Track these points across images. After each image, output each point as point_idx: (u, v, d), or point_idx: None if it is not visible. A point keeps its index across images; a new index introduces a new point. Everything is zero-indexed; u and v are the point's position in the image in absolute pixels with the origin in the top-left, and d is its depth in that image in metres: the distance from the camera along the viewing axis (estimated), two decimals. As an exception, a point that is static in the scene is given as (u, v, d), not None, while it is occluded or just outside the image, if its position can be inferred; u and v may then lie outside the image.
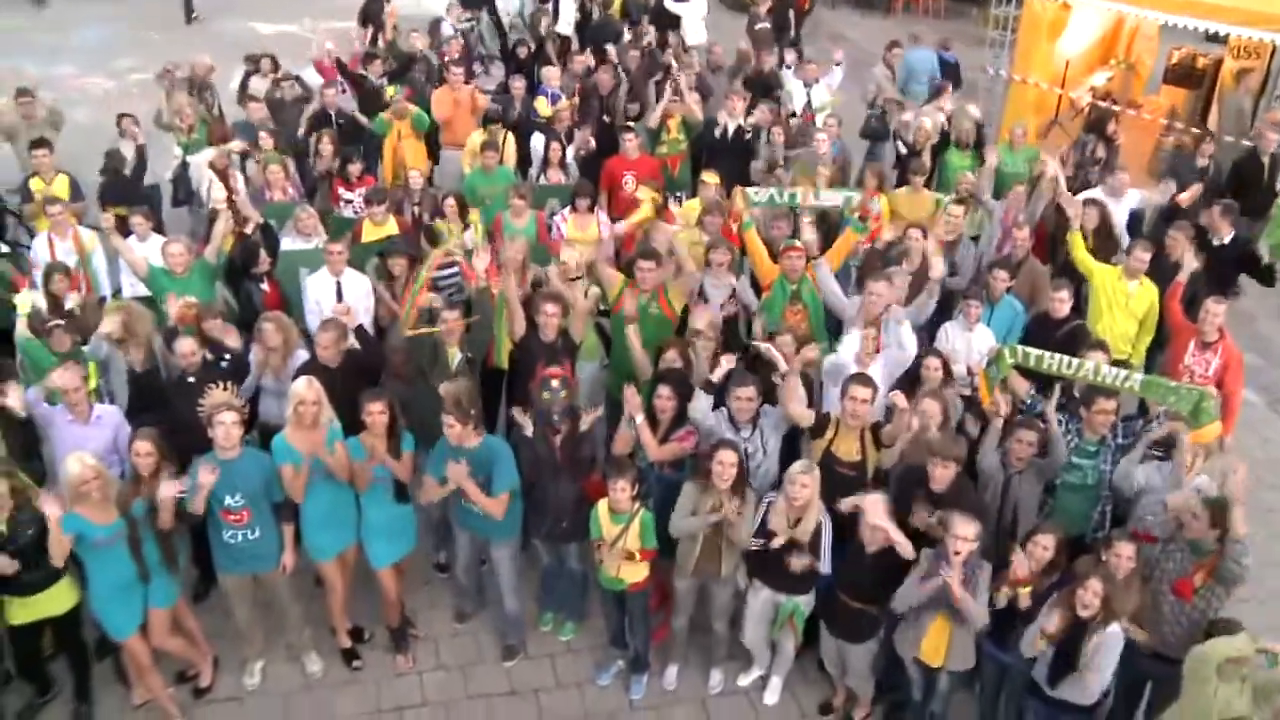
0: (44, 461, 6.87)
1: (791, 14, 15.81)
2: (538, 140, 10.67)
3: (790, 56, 13.01)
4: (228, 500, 6.18)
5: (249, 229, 8.57)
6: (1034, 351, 6.68)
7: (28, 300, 7.29)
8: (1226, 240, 8.99)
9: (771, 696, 6.92)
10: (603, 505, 6.26)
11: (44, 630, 6.38)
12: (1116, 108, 13.89)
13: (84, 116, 15.17)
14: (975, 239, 9.32)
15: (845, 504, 6.14)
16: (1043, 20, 13.58)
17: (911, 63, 13.31)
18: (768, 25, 14.69)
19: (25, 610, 6.14)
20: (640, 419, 6.56)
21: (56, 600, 6.19)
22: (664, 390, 6.68)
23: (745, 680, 7.04)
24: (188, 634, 6.71)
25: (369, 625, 7.25)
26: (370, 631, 7.25)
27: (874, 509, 5.91)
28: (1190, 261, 7.96)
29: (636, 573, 6.39)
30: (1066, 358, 6.61)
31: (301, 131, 10.94)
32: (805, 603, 6.38)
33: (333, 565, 6.68)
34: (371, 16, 14.52)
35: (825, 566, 6.12)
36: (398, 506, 6.64)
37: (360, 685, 6.99)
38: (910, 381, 7.11)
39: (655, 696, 6.96)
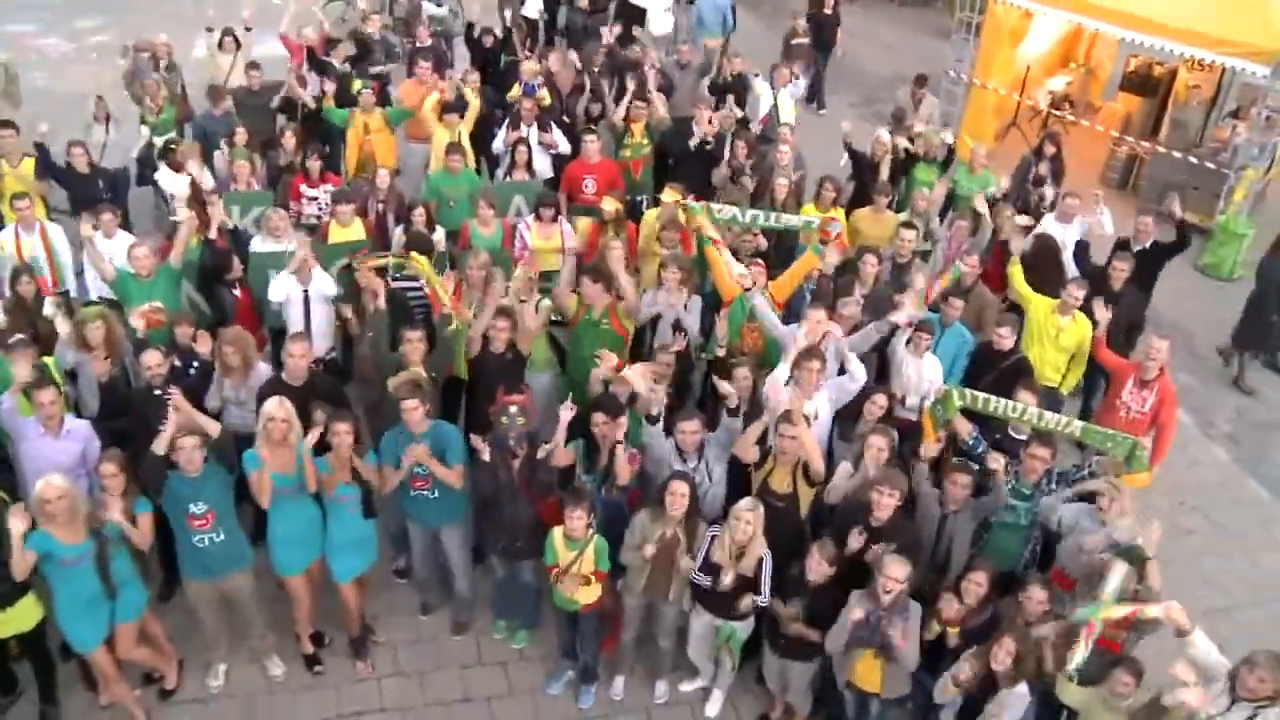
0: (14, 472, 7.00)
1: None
2: (498, 142, 10.76)
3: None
4: (192, 508, 6.36)
5: (212, 233, 8.62)
6: (980, 395, 6.97)
7: None
8: (1148, 245, 9.38)
9: (713, 709, 7.23)
10: (558, 532, 6.50)
11: (8, 640, 6.56)
12: (1071, 117, 14.26)
13: (42, 81, 15.08)
14: (926, 254, 9.56)
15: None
16: (1004, 26, 13.81)
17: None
18: (806, 42, 14.59)
19: (-5, 627, 6.30)
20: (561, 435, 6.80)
21: (22, 616, 6.35)
22: (599, 417, 6.90)
23: (688, 687, 7.34)
24: (154, 642, 6.89)
25: (330, 630, 7.46)
26: (330, 636, 7.47)
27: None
28: (1103, 314, 8.22)
29: (590, 594, 6.66)
30: (1011, 402, 6.92)
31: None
32: (742, 629, 6.67)
33: (299, 580, 6.90)
34: None
35: (764, 599, 6.38)
36: (363, 523, 6.85)
37: (321, 689, 7.23)
38: (852, 412, 7.41)
39: (603, 706, 7.26)
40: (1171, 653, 5.72)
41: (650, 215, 9.54)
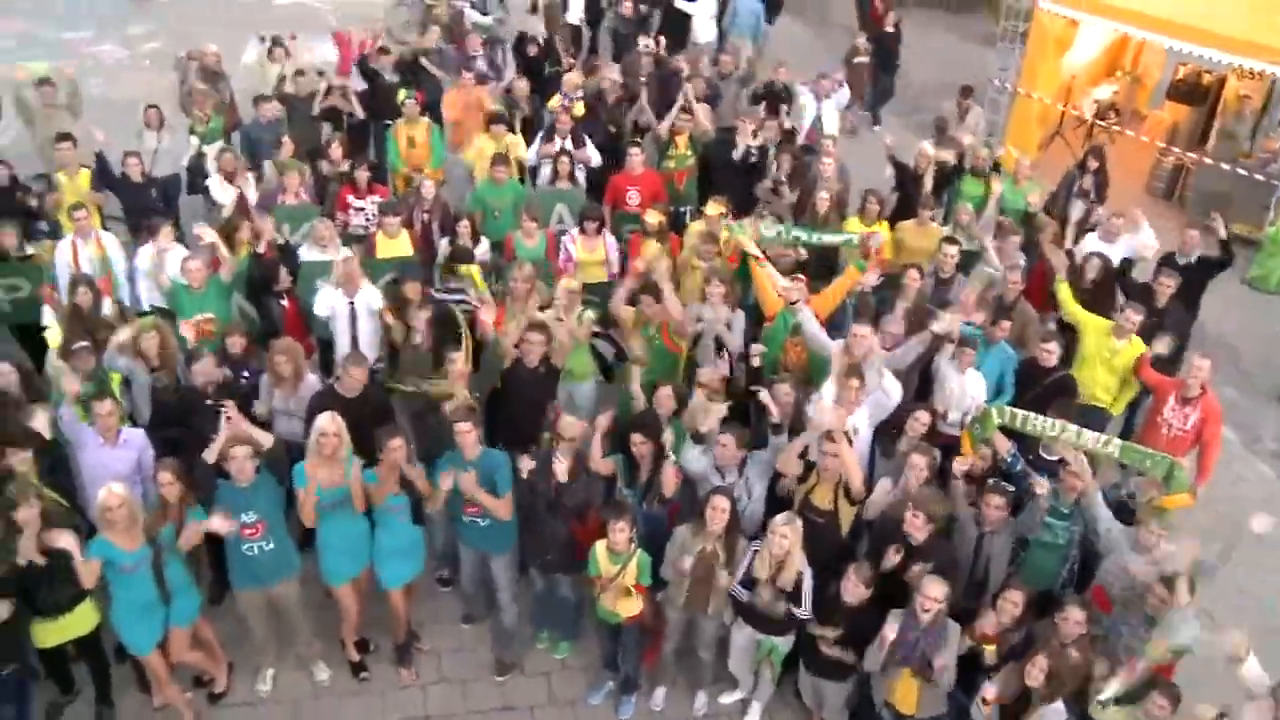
0: (71, 477, 7.18)
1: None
2: (531, 153, 10.81)
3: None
4: (243, 517, 6.51)
5: (261, 247, 8.75)
6: (1020, 413, 6.98)
7: (56, 333, 7.53)
8: (1194, 259, 9.33)
9: (752, 720, 7.32)
10: (601, 545, 6.59)
11: (67, 643, 6.72)
12: (1116, 127, 14.16)
13: (96, 88, 15.29)
14: (973, 255, 9.52)
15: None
16: (1050, 35, 13.72)
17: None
18: (867, 60, 14.52)
19: (53, 634, 6.49)
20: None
21: (80, 621, 6.54)
22: (637, 436, 6.98)
23: (728, 699, 7.41)
24: (206, 647, 7.07)
25: (375, 637, 7.60)
26: (376, 643, 7.62)
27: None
28: (1161, 346, 8.21)
29: (632, 607, 6.73)
30: (1050, 420, 6.93)
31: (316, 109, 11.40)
32: (783, 643, 6.74)
33: (348, 589, 7.04)
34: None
35: (804, 613, 6.44)
36: (411, 530, 6.97)
37: (366, 695, 7.38)
38: (892, 428, 7.45)
39: (643, 716, 7.36)
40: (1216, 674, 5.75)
41: (694, 228, 9.58)
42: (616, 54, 15.03)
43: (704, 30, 15.39)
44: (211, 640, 7.12)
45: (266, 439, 6.67)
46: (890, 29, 14.98)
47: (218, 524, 6.34)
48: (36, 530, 6.15)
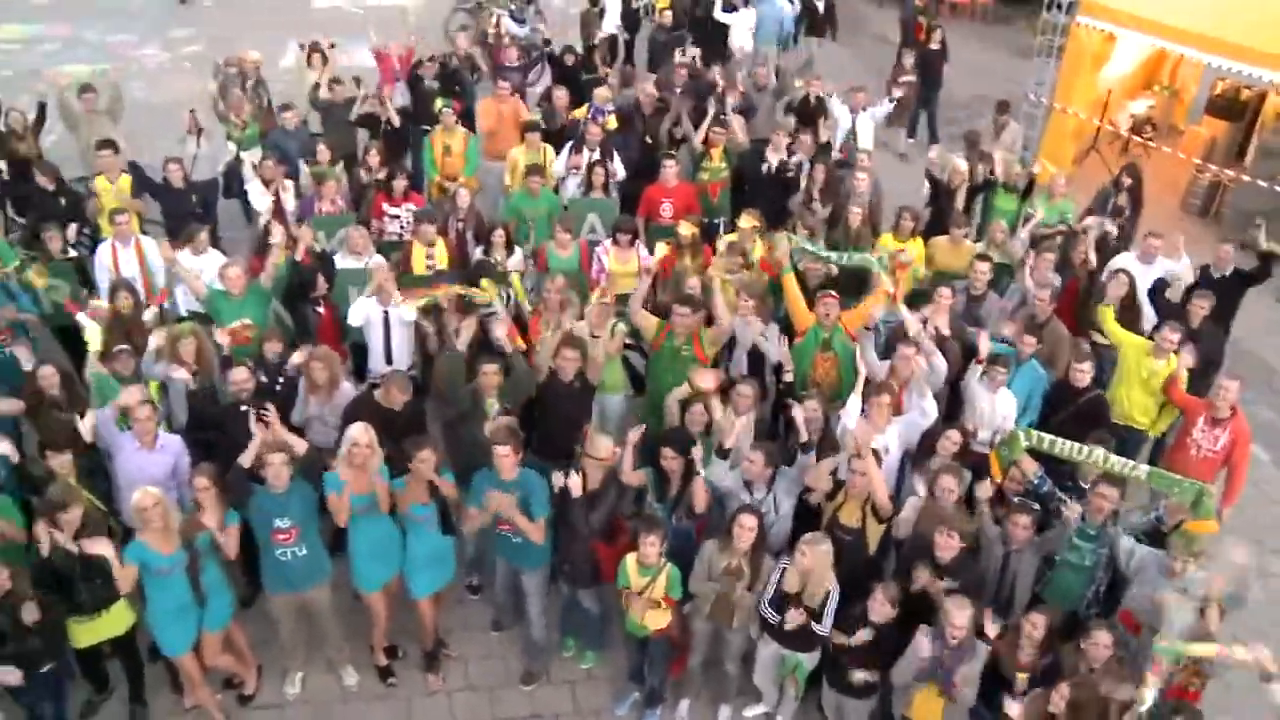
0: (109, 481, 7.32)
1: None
2: (559, 164, 10.88)
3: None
4: (277, 523, 6.61)
5: (299, 254, 8.83)
6: (1047, 436, 6.97)
7: (98, 336, 7.65)
8: (1228, 272, 9.30)
9: (776, 733, 7.35)
10: (631, 558, 6.64)
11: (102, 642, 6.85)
12: (1153, 143, 14.07)
13: (139, 91, 15.58)
14: (996, 284, 9.43)
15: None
16: (1087, 50, 13.65)
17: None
18: (913, 80, 14.33)
19: (89, 633, 6.62)
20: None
21: (116, 621, 6.68)
22: (668, 451, 7.04)
23: (752, 713, 7.45)
24: (237, 649, 7.18)
25: (403, 643, 7.68)
26: (404, 649, 7.70)
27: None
28: (1186, 360, 8.17)
29: (660, 620, 6.78)
30: (1077, 445, 6.91)
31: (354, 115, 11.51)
32: (808, 660, 6.76)
33: (378, 595, 7.12)
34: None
35: (824, 629, 6.46)
36: (441, 539, 7.03)
37: (394, 700, 7.46)
38: (924, 447, 7.47)
39: (668, 728, 7.42)
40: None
41: (731, 239, 9.62)
42: (653, 63, 15.12)
43: (742, 40, 15.41)
44: (242, 644, 7.23)
45: (301, 445, 6.76)
46: (935, 46, 14.84)
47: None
48: (74, 531, 6.29)
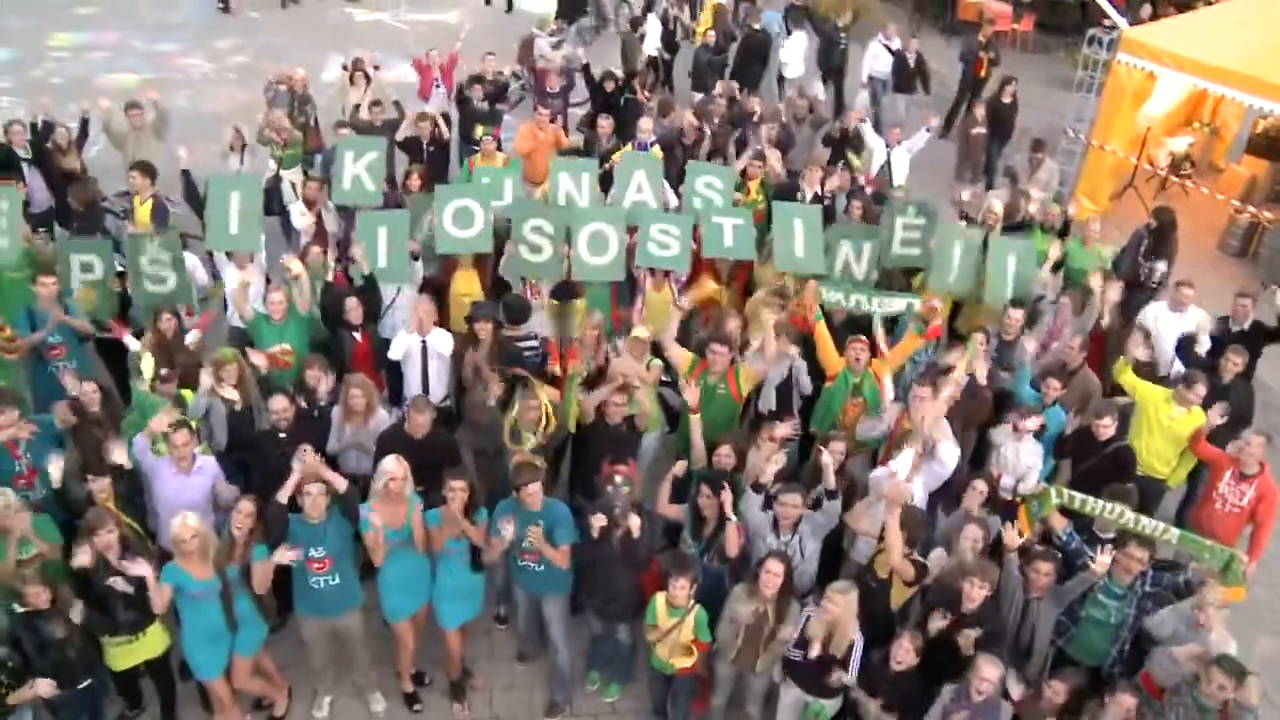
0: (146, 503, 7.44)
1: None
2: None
3: (862, 97, 13.23)
4: (312, 552, 6.73)
5: (330, 275, 8.98)
6: (1078, 495, 7.00)
7: (150, 364, 7.79)
8: (1246, 326, 9.23)
9: (795, 778, 7.39)
10: (661, 597, 6.72)
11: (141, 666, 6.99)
12: (1190, 183, 13.99)
13: (184, 101, 15.77)
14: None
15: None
16: (1127, 88, 13.57)
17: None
18: (984, 131, 14.22)
19: (127, 655, 6.77)
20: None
21: (152, 643, 6.83)
22: (705, 489, 7.13)
23: (772, 755, 7.51)
24: (267, 673, 7.31)
25: (430, 670, 7.79)
26: (431, 676, 7.80)
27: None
28: (1215, 418, 8.10)
29: (686, 660, 6.86)
30: (1108, 504, 6.94)
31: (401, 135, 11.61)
32: (830, 706, 6.79)
33: (405, 624, 7.24)
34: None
35: (851, 679, 6.50)
36: (470, 575, 7.15)
37: (420, 727, 7.59)
38: (949, 495, 7.52)
39: (688, 766, 7.46)
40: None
41: (764, 273, 9.68)
42: (696, 83, 15.21)
43: (792, 66, 15.46)
44: (272, 668, 7.36)
45: (341, 483, 6.86)
46: (1008, 100, 14.56)
47: (282, 555, 6.57)
48: (116, 556, 6.43)
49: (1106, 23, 14.47)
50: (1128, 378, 8.42)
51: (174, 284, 8.92)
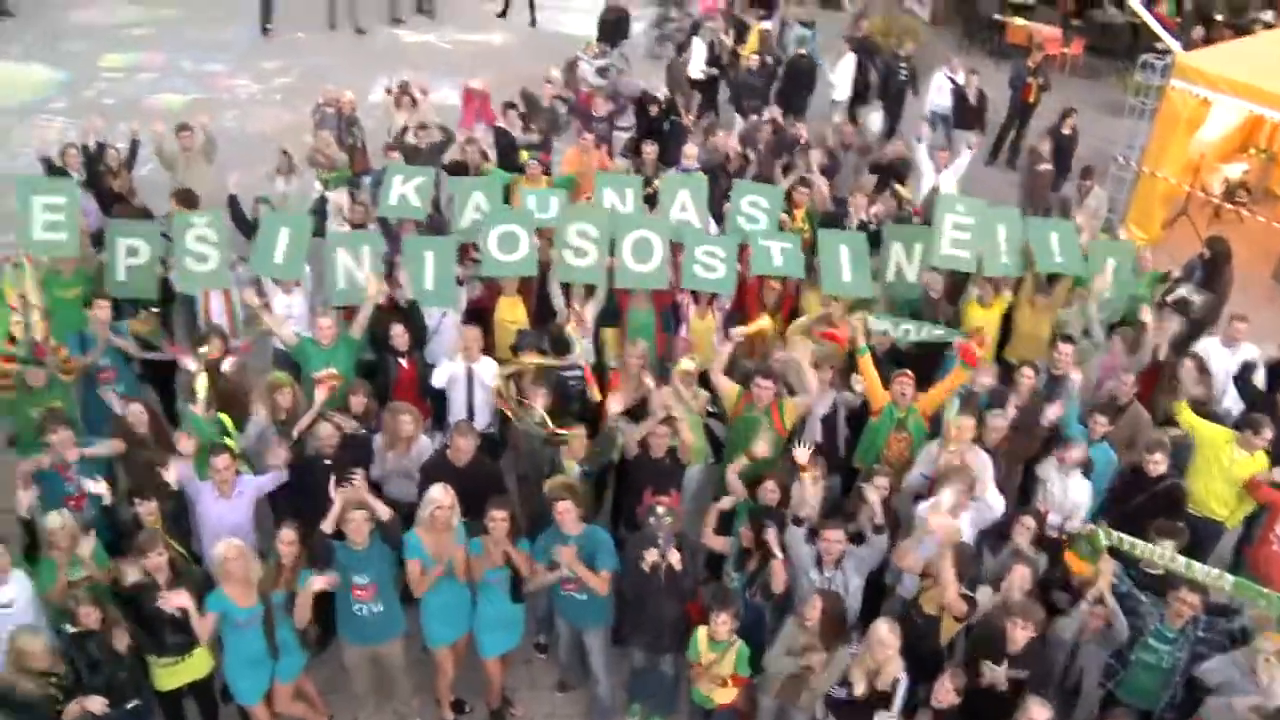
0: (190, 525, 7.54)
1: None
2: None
3: (925, 131, 13.01)
4: (356, 579, 6.74)
5: (381, 299, 8.89)
6: (1128, 538, 6.86)
7: (204, 385, 7.84)
8: None
9: (836, 815, 7.29)
10: (703, 631, 6.68)
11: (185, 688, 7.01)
12: (1245, 212, 13.76)
13: (231, 122, 15.90)
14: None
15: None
16: (1181, 115, 13.36)
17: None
18: (1050, 168, 13.65)
19: (172, 677, 6.80)
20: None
21: (196, 666, 6.85)
22: (750, 524, 7.10)
23: (813, 792, 7.41)
24: (308, 699, 7.33)
25: (470, 698, 7.77)
26: (471, 704, 7.78)
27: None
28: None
29: (726, 695, 6.81)
30: (1159, 548, 6.81)
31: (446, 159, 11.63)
32: (874, 744, 6.72)
33: (445, 651, 7.24)
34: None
35: (893, 716, 6.39)
36: (511, 605, 7.13)
37: (459, 755, 7.57)
38: (994, 531, 7.42)
39: (728, 800, 7.36)
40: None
41: (809, 302, 9.61)
42: (736, 106, 15.18)
43: (841, 89, 15.45)
44: (314, 694, 7.38)
45: (386, 512, 6.86)
46: (1067, 131, 14.11)
47: (321, 583, 6.59)
48: (165, 579, 6.49)
49: (1160, 46, 14.31)
50: (1186, 417, 8.23)
51: (215, 263, 9.12)
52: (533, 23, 20.83)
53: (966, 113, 15.02)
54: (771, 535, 6.87)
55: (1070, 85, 18.69)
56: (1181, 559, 6.71)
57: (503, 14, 21.23)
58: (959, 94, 14.97)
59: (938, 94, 15.30)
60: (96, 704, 6.16)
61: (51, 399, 8.02)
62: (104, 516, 7.25)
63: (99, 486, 7.19)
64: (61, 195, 9.26)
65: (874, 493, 7.09)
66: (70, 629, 6.32)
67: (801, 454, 7.34)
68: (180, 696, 7.09)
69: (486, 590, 7.03)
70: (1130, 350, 9.02)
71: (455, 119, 13.53)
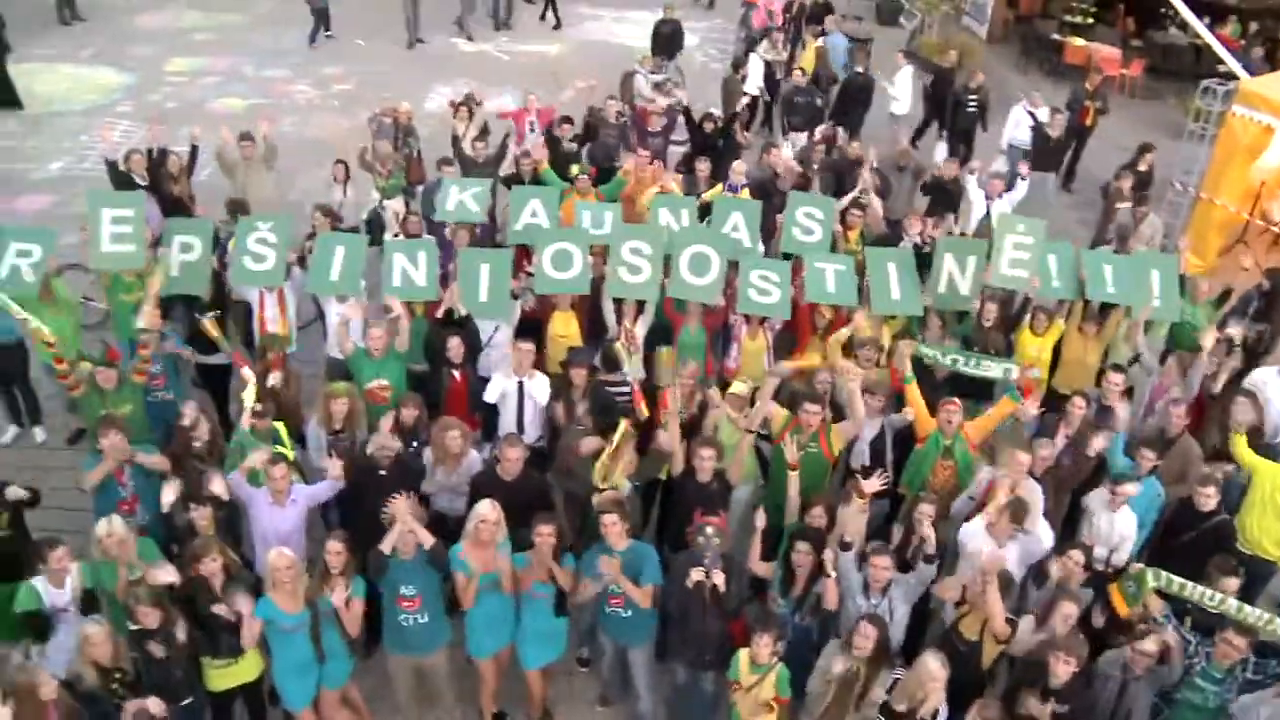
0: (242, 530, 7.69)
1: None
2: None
3: (976, 164, 12.82)
4: (403, 590, 6.86)
5: (439, 312, 9.08)
6: (1176, 579, 6.81)
7: (252, 393, 8.02)
8: None
9: (878, 839, 7.29)
10: (744, 653, 6.71)
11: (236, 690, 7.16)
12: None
13: (290, 127, 16.21)
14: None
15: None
16: (1241, 142, 13.22)
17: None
18: (1130, 207, 12.72)
19: (224, 678, 6.95)
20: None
21: (248, 669, 7.00)
22: (802, 546, 7.10)
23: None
24: (354, 706, 7.44)
25: (511, 709, 7.85)
26: (512, 716, 7.86)
27: None
28: None
29: (766, 717, 6.80)
30: (1210, 591, 6.76)
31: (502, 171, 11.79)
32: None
33: (489, 663, 7.33)
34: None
35: None
36: (555, 619, 7.22)
37: (500, 766, 7.67)
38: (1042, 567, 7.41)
39: (766, 823, 7.39)
40: None
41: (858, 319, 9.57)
42: (784, 123, 15.21)
43: (901, 104, 15.46)
44: (359, 701, 7.48)
45: (428, 540, 6.93)
46: (1144, 168, 13.38)
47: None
48: (219, 584, 6.67)
49: (1222, 68, 14.14)
50: (1242, 451, 8.12)
51: (272, 264, 9.30)
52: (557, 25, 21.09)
53: (1048, 153, 14.21)
54: (828, 556, 6.92)
55: (1129, 107, 18.56)
56: (1233, 602, 6.66)
57: (557, 26, 21.40)
58: (1041, 133, 14.16)
59: (1015, 129, 14.70)
60: (156, 705, 6.29)
61: (121, 401, 8.23)
62: (160, 521, 7.41)
63: (171, 490, 7.33)
64: (129, 208, 9.46)
65: (927, 524, 7.11)
66: (131, 626, 6.52)
67: (871, 484, 7.38)
68: (231, 698, 7.23)
69: (531, 603, 7.11)
70: (1183, 373, 8.97)
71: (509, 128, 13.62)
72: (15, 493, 7.41)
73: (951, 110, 15.26)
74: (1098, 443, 8.01)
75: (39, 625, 6.81)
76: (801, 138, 14.04)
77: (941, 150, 13.14)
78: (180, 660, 6.63)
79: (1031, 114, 14.34)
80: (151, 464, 7.69)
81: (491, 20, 21.28)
